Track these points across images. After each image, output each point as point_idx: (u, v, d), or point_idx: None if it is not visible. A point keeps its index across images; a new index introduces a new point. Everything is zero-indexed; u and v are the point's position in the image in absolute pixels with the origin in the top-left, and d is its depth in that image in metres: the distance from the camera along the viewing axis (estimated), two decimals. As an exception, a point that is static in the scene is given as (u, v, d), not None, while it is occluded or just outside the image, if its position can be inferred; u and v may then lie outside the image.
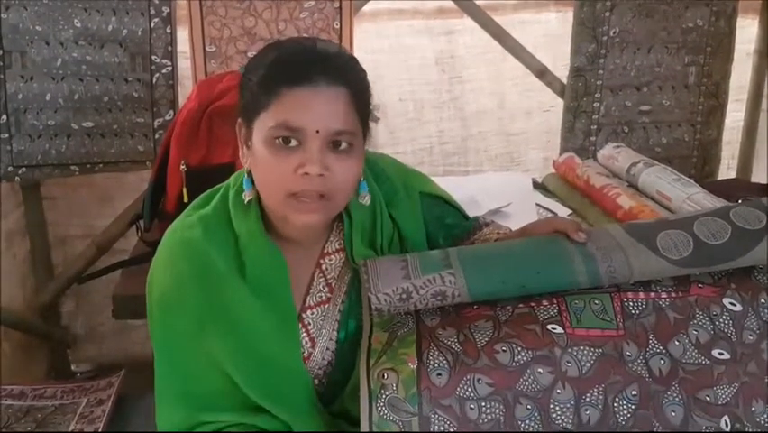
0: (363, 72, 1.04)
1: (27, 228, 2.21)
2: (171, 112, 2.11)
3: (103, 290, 2.08)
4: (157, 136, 2.11)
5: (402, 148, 2.46)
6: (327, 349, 1.08)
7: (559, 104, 2.29)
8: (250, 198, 1.04)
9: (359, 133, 1.01)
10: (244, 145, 1.04)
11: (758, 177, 2.46)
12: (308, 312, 1.08)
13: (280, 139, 0.96)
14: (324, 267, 1.10)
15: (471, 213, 1.89)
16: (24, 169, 1.98)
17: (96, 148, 2.06)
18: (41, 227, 2.24)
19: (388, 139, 2.44)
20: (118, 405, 1.70)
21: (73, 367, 2.39)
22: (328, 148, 0.97)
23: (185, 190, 1.58)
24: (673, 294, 1.01)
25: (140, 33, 2.04)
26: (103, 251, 2.20)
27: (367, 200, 1.07)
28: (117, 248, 2.21)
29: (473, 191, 2.02)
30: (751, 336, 0.99)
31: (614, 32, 2.15)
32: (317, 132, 0.95)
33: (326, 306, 1.09)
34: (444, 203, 1.21)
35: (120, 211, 2.21)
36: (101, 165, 2.08)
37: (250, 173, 1.03)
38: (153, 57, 2.07)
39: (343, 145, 0.98)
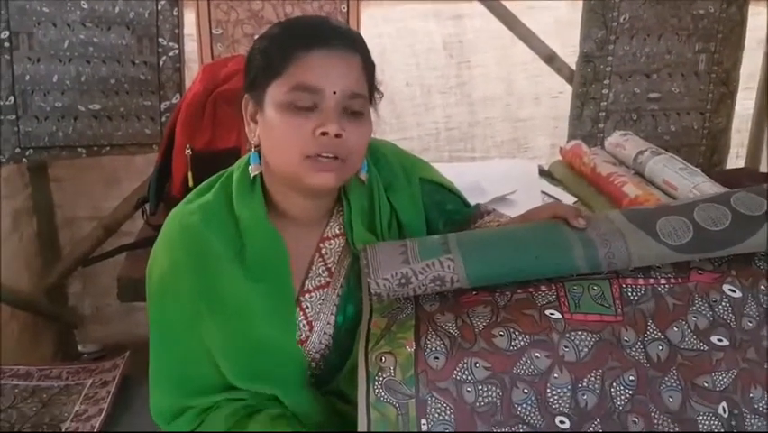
0: (368, 46, 1.06)
1: (34, 210, 2.23)
2: (178, 95, 2.12)
3: (109, 271, 2.09)
4: (164, 119, 2.12)
5: (409, 133, 2.45)
6: (325, 333, 1.08)
7: (567, 90, 2.27)
8: (257, 172, 1.05)
9: (366, 101, 1.03)
10: (251, 121, 1.04)
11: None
12: (307, 296, 1.08)
13: (299, 103, 0.97)
14: (323, 251, 1.10)
15: (477, 199, 1.88)
16: (32, 150, 2.00)
17: (102, 130, 2.07)
18: (49, 209, 2.26)
19: (394, 124, 2.43)
20: (122, 386, 1.72)
21: (79, 348, 2.41)
22: (343, 112, 0.98)
23: (190, 174, 1.58)
24: (673, 280, 1.01)
25: (147, 16, 2.04)
26: (110, 232, 2.22)
27: (364, 177, 1.08)
28: (124, 230, 2.22)
29: (479, 178, 2.02)
30: (750, 322, 0.99)
31: (624, 19, 2.13)
32: (334, 93, 0.97)
33: (325, 290, 1.09)
34: (445, 190, 1.21)
35: (127, 193, 2.22)
36: (108, 147, 2.09)
37: (257, 148, 1.04)
38: (160, 39, 2.07)
39: (356, 109, 1.00)
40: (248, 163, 1.06)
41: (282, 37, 1.00)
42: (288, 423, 1.04)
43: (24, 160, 2.01)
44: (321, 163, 0.98)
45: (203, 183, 1.12)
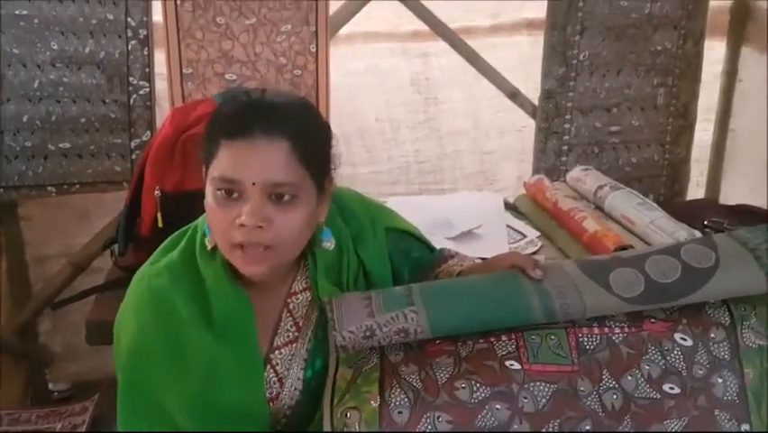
0: (315, 122, 1.06)
1: (4, 248, 2.21)
2: (148, 132, 2.13)
3: (80, 309, 2.07)
4: (134, 156, 2.12)
5: (379, 167, 2.49)
6: (295, 389, 1.10)
7: (531, 124, 2.33)
8: (212, 244, 1.07)
9: (304, 184, 1.01)
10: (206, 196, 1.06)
11: (727, 194, 2.51)
12: (276, 352, 1.10)
13: (222, 191, 0.99)
14: (291, 306, 1.12)
15: (445, 233, 1.95)
16: (1, 190, 2.00)
17: (72, 168, 2.08)
18: (19, 247, 2.24)
19: (365, 158, 2.47)
20: (93, 428, 1.72)
21: (50, 386, 2.39)
22: (270, 200, 0.99)
23: (159, 215, 1.60)
24: (626, 329, 1.06)
25: (117, 55, 2.05)
26: (80, 270, 2.21)
27: (329, 246, 1.10)
28: (95, 266, 2.22)
29: (447, 212, 2.06)
30: (701, 370, 1.03)
31: (584, 56, 2.20)
32: (253, 184, 0.97)
33: (294, 345, 1.11)
34: (410, 236, 1.25)
35: (98, 229, 2.22)
36: (78, 186, 2.10)
37: None
38: (131, 78, 2.08)
39: (285, 198, 0.99)
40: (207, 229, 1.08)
41: (213, 123, 1.03)
42: None
43: (-6, 199, 2.01)
44: (248, 255, 0.99)
45: (168, 239, 1.14)
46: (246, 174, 0.97)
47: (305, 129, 1.02)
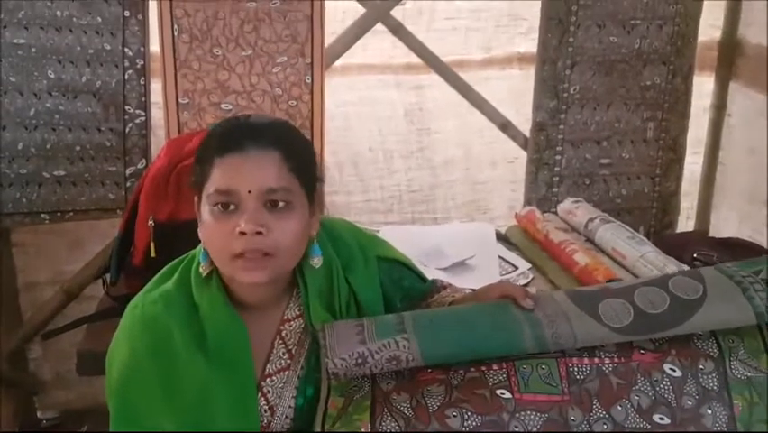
0: (300, 138, 1.11)
1: (-4, 275, 2.21)
2: (143, 161, 2.15)
3: (70, 337, 2.07)
4: (128, 184, 2.14)
5: (372, 195, 2.51)
6: (286, 417, 1.10)
7: (523, 155, 2.36)
8: (207, 270, 1.08)
9: (297, 192, 1.05)
10: (200, 220, 1.08)
11: (717, 226, 2.54)
12: (268, 380, 1.11)
13: (219, 205, 1.02)
14: (284, 333, 1.13)
15: (438, 263, 1.97)
16: (-6, 217, 2.01)
17: (66, 196, 2.08)
18: (11, 273, 2.24)
19: (358, 186, 2.49)
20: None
21: (39, 414, 2.37)
22: (266, 208, 1.02)
23: (152, 245, 1.61)
24: (616, 359, 1.07)
25: (113, 84, 2.08)
26: (71, 297, 2.21)
27: (316, 262, 1.11)
28: (87, 294, 2.21)
29: (440, 242, 2.08)
30: (690, 401, 1.04)
31: (574, 90, 2.24)
32: (249, 192, 1.01)
33: (286, 372, 1.11)
34: (402, 266, 1.26)
35: (90, 257, 2.22)
36: (71, 213, 2.10)
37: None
38: (127, 107, 2.11)
39: (280, 204, 1.03)
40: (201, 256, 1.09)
41: (205, 145, 1.07)
42: None
43: (-13, 226, 2.02)
44: (249, 261, 1.01)
45: (163, 269, 1.15)
46: (241, 183, 1.01)
47: (292, 142, 1.08)
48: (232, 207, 1.02)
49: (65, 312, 2.18)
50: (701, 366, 1.06)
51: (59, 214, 2.09)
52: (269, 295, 1.11)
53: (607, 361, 1.06)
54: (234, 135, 1.05)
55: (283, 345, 1.12)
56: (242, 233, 1.00)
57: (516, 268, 1.95)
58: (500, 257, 2.02)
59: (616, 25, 2.22)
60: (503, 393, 1.03)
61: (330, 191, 2.41)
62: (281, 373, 1.11)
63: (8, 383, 2.27)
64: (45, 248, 2.29)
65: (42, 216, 2.07)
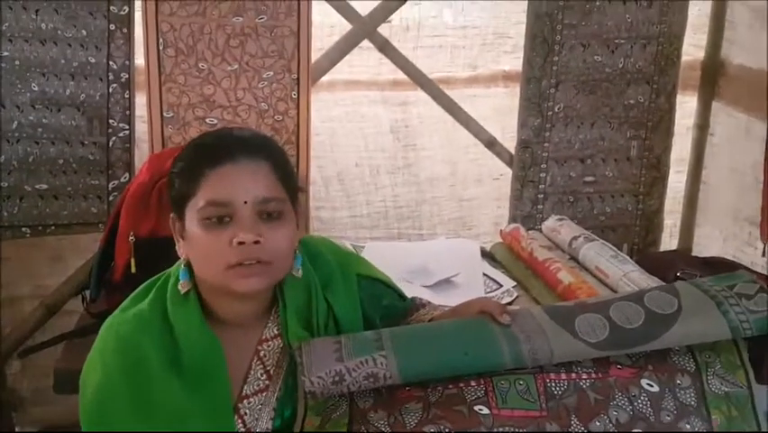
0: (282, 149, 1.12)
1: (-25, 289, 2.19)
2: (127, 174, 2.14)
3: (49, 353, 2.05)
4: (111, 198, 2.13)
5: (358, 211, 2.51)
6: None
7: (508, 172, 2.37)
8: (186, 288, 1.07)
9: (287, 201, 1.06)
10: (180, 238, 1.07)
11: (700, 244, 2.55)
12: (245, 402, 1.09)
13: (213, 218, 1.01)
14: (262, 353, 1.11)
15: (423, 281, 1.96)
16: (-25, 230, 1.99)
17: (48, 210, 2.07)
18: (-8, 287, 2.22)
19: (344, 202, 2.49)
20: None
21: (17, 429, 2.34)
22: (259, 218, 1.02)
23: (132, 261, 1.59)
24: (594, 375, 1.06)
25: (98, 98, 2.07)
26: (52, 312, 2.18)
27: (298, 273, 1.11)
28: (67, 308, 2.19)
29: (425, 259, 2.08)
30: (668, 416, 1.04)
31: (559, 108, 2.25)
32: (245, 202, 1.01)
33: (264, 394, 1.10)
34: (381, 284, 1.25)
35: (71, 271, 2.20)
36: (53, 227, 2.09)
37: (188, 264, 1.07)
38: (111, 120, 2.10)
39: (274, 214, 1.03)
40: (180, 275, 1.08)
41: (192, 158, 1.06)
42: None
43: (-33, 240, 2.00)
44: (246, 269, 1.01)
45: (138, 288, 1.14)
46: (237, 194, 1.01)
47: (277, 152, 1.10)
48: (226, 218, 1.01)
49: (44, 328, 2.16)
50: (678, 381, 1.06)
51: (40, 228, 2.07)
52: (251, 310, 1.10)
53: (584, 376, 1.06)
54: (224, 145, 1.05)
55: (261, 366, 1.11)
56: (241, 243, 1.00)
57: (501, 286, 1.95)
58: (485, 275, 2.02)
59: (600, 45, 2.25)
60: (481, 409, 1.02)
61: (316, 206, 2.41)
62: (259, 395, 1.09)
63: (-14, 399, 2.24)
64: (25, 262, 2.26)
65: (23, 229, 2.05)
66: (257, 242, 1.00)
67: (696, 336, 1.05)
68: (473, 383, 1.05)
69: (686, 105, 2.50)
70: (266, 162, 1.05)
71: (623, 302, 1.08)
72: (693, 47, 2.43)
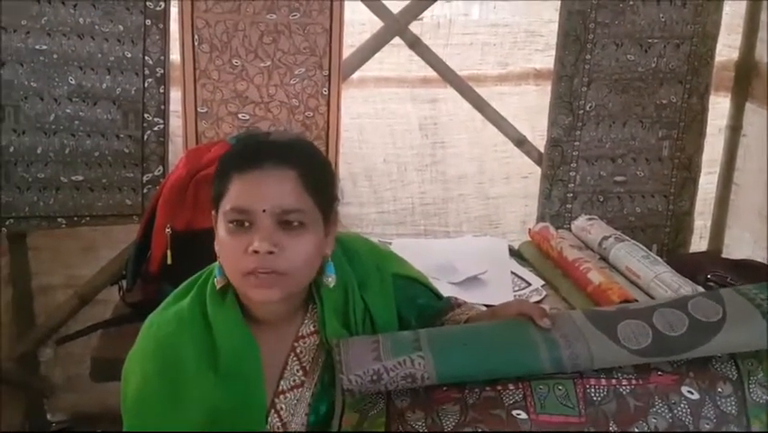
0: (319, 157, 1.11)
1: (11, 277, 2.22)
2: (161, 168, 2.16)
3: (82, 341, 2.08)
4: (145, 191, 2.15)
5: (385, 207, 2.52)
6: None
7: (536, 171, 2.36)
8: (221, 284, 1.09)
9: (311, 212, 1.05)
10: (217, 234, 1.09)
11: (730, 246, 2.53)
12: (281, 397, 1.11)
13: (234, 223, 1.03)
14: (298, 350, 1.13)
15: (450, 278, 1.96)
16: (12, 220, 2.02)
17: (83, 201, 2.10)
18: (26, 277, 2.25)
19: (371, 198, 2.50)
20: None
21: (49, 417, 2.38)
22: (280, 227, 1.02)
23: (169, 253, 1.62)
24: (634, 381, 1.06)
25: (133, 92, 2.09)
26: (85, 302, 2.22)
27: (330, 282, 1.11)
28: (99, 298, 2.23)
29: (452, 257, 2.08)
30: (707, 424, 1.04)
31: (590, 107, 2.24)
32: (264, 211, 1.02)
33: (300, 390, 1.11)
34: (417, 283, 1.25)
35: (104, 261, 2.23)
36: (88, 218, 2.12)
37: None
38: (146, 115, 2.12)
39: (294, 224, 1.03)
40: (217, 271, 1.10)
41: (224, 162, 1.08)
42: None
43: (4, 229, 2.03)
44: (260, 279, 1.02)
45: (181, 286, 1.16)
46: (256, 202, 1.02)
47: (309, 160, 1.09)
48: (246, 224, 1.02)
49: (77, 316, 2.19)
50: (720, 389, 1.05)
51: (75, 219, 2.10)
52: (282, 311, 1.12)
53: (624, 382, 1.06)
54: (252, 152, 1.06)
55: (297, 362, 1.12)
56: (255, 251, 1.00)
57: (530, 284, 1.95)
58: (513, 273, 2.02)
59: (633, 44, 2.23)
60: (519, 414, 1.02)
61: (343, 202, 2.40)
62: (295, 390, 1.11)
63: (18, 385, 2.28)
64: (58, 252, 2.30)
65: (59, 220, 2.08)
66: (271, 252, 1.01)
67: (740, 345, 1.04)
68: (511, 387, 1.06)
69: (719, 106, 2.47)
70: (293, 170, 1.04)
71: (666, 309, 1.08)
72: (727, 47, 2.41)
